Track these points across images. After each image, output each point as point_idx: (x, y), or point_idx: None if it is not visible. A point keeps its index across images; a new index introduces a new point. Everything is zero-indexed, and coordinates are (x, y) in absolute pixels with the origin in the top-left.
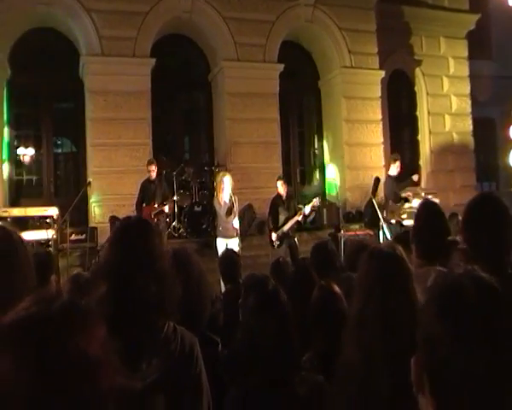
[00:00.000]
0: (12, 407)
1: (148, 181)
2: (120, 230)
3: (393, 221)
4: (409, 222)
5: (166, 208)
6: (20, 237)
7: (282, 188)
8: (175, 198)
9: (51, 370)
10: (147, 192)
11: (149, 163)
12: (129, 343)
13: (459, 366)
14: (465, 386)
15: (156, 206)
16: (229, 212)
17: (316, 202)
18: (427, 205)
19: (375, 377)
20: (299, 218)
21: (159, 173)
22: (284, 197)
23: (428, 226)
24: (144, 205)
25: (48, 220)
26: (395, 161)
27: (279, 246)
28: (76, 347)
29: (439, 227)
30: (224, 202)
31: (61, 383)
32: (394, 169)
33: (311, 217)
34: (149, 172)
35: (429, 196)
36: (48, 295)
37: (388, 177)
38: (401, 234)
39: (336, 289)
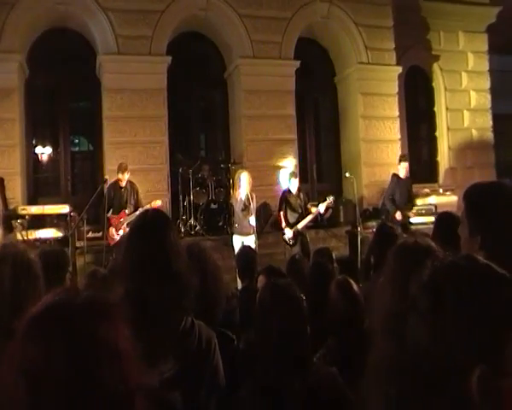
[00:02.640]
0: (46, 390)
1: (118, 186)
2: (137, 227)
3: (398, 216)
4: (420, 219)
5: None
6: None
7: (293, 184)
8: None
9: (82, 355)
10: (117, 198)
11: (122, 170)
12: (146, 339)
13: None
14: None
15: (128, 212)
16: (246, 209)
17: (330, 201)
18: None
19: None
20: (313, 216)
21: (129, 180)
22: (294, 193)
23: None
24: (111, 213)
25: (67, 218)
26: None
27: (293, 245)
28: (106, 335)
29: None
30: (241, 198)
31: (91, 369)
32: (401, 170)
33: (327, 215)
34: (120, 180)
35: (448, 193)
36: (73, 289)
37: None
38: None
39: (354, 286)
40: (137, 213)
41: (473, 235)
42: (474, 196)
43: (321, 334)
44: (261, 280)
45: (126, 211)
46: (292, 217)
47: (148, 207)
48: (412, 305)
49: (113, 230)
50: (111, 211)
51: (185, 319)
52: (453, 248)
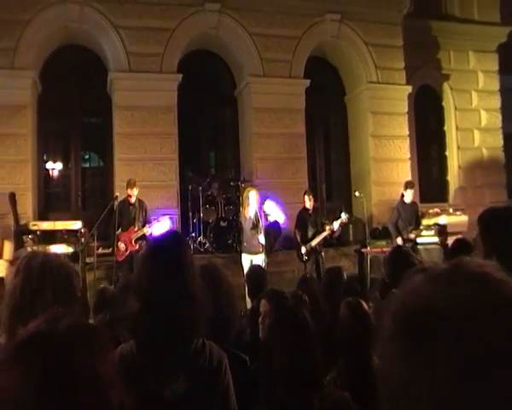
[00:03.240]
0: None
1: (128, 203)
2: (155, 247)
3: (399, 242)
4: (427, 239)
5: (149, 230)
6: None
7: (309, 202)
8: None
9: (57, 385)
10: (125, 215)
11: (131, 185)
12: (158, 358)
13: None
14: None
15: (136, 229)
16: (254, 227)
17: (344, 218)
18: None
19: None
20: (328, 233)
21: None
22: (311, 211)
23: None
24: (120, 230)
25: (77, 234)
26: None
27: (307, 261)
28: (85, 362)
29: None
30: (250, 216)
31: (67, 399)
32: (407, 196)
33: (338, 233)
34: (129, 196)
35: (458, 213)
36: (58, 314)
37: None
38: None
39: (364, 306)
40: (144, 229)
41: (487, 257)
42: (488, 220)
43: (333, 354)
44: (264, 305)
45: (135, 228)
46: (311, 234)
47: (155, 222)
48: None
49: (121, 246)
50: (120, 228)
51: (196, 339)
52: None
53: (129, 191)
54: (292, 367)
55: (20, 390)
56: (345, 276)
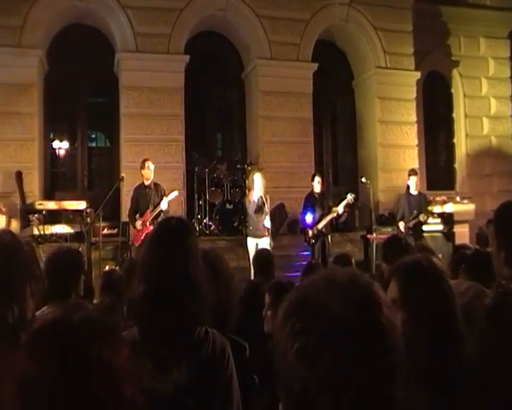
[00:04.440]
0: (35, 405)
1: (144, 186)
2: (160, 232)
3: (402, 227)
4: (434, 227)
5: (164, 203)
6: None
7: (318, 185)
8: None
9: (73, 372)
10: (142, 199)
11: (144, 161)
12: (161, 347)
13: None
14: None
15: (151, 210)
16: (259, 210)
17: (350, 199)
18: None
19: None
20: (334, 215)
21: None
22: (318, 195)
23: None
24: (138, 215)
25: (83, 214)
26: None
27: (314, 244)
28: (99, 352)
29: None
30: (254, 200)
31: (82, 387)
32: (411, 184)
33: (344, 217)
34: (146, 168)
35: (465, 201)
36: (75, 305)
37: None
38: None
39: None
40: (161, 203)
41: (499, 251)
42: (502, 214)
43: None
44: (266, 297)
45: (150, 210)
46: (318, 216)
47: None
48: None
49: (138, 224)
50: (138, 214)
51: (199, 327)
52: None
53: (146, 166)
54: None
55: (36, 374)
56: (354, 263)
